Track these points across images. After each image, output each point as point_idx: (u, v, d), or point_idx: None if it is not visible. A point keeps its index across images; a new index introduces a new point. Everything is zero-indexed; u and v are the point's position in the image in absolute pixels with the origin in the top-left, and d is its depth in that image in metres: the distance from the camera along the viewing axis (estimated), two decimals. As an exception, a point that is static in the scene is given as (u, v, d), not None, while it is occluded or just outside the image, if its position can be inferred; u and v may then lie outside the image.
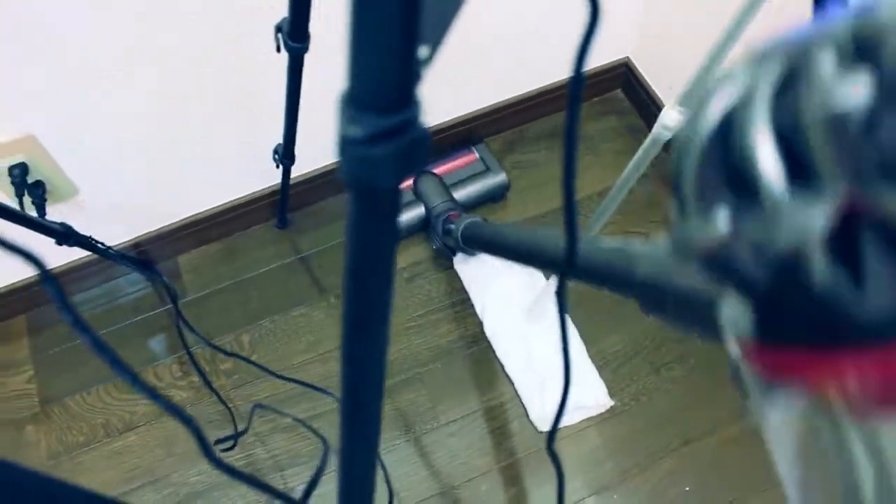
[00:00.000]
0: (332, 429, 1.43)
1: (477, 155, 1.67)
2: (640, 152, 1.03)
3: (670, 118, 0.98)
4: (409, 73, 0.25)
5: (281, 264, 1.62)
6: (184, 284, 1.61)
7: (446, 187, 1.57)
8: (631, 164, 1.06)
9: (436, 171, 1.63)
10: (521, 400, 1.46)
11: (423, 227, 1.59)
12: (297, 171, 1.48)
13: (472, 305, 1.55)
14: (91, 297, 1.61)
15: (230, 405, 1.46)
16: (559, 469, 0.77)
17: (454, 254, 1.56)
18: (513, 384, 1.47)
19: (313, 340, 1.53)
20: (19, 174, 1.31)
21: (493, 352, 1.50)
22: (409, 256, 1.62)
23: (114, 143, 1.32)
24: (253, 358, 1.52)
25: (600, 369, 1.48)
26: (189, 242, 1.63)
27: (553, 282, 1.38)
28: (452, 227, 1.36)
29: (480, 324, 1.53)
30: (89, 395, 1.52)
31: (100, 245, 1.40)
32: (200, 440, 0.40)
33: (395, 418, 1.45)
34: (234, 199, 1.59)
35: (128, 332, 1.57)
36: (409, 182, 1.59)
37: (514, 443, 1.43)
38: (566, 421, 1.44)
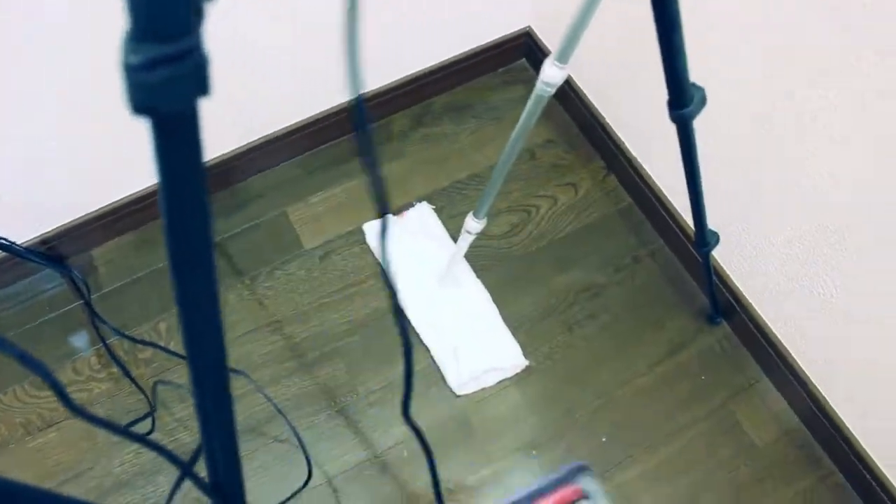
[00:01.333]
0: (245, 409, 1.45)
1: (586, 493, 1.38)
2: (525, 112, 1.05)
3: (550, 75, 1.00)
4: (182, 4, 0.27)
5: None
6: (99, 277, 1.61)
7: None
8: (519, 124, 1.08)
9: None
10: (437, 366, 1.49)
11: None
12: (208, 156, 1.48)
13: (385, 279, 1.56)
14: (6, 296, 1.59)
15: (148, 392, 1.47)
16: (422, 439, 0.75)
17: None
18: (429, 352, 1.50)
19: (229, 323, 1.54)
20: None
21: (408, 321, 1.52)
22: (321, 236, 1.64)
23: (17, 136, 1.31)
24: (171, 346, 1.53)
25: (514, 331, 1.52)
26: (102, 234, 1.62)
27: (463, 247, 1.40)
28: None
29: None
30: (5, 395, 1.51)
31: (4, 241, 1.39)
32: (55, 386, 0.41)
33: (315, 394, 1.47)
34: (145, 189, 1.58)
35: (45, 328, 1.56)
36: None
37: (433, 409, 1.46)
38: (485, 382, 1.47)
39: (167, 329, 1.56)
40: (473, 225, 1.33)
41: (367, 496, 1.39)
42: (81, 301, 1.57)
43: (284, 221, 1.66)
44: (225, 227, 1.65)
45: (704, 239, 1.23)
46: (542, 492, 1.23)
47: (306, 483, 1.36)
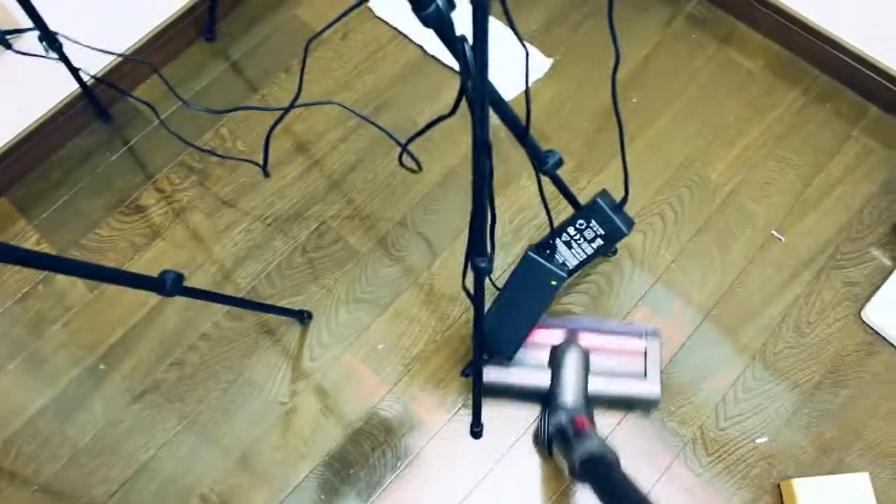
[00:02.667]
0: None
1: (643, 350, 1.39)
2: None
3: None
4: None
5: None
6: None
7: (587, 376, 1.34)
8: None
9: (589, 345, 1.39)
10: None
11: (540, 400, 1.40)
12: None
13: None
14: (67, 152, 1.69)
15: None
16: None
17: (550, 452, 1.33)
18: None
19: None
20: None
21: (441, 63, 1.71)
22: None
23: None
24: (237, 145, 1.66)
25: (530, 42, 1.73)
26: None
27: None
28: (575, 442, 1.16)
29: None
30: (101, 229, 1.61)
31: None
32: None
33: (383, 137, 1.63)
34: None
35: (115, 164, 1.66)
36: (550, 344, 1.40)
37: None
38: (521, 89, 1.68)
39: (229, 131, 1.68)
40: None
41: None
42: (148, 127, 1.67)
43: (297, 21, 1.80)
44: (246, 43, 1.78)
45: None
46: (614, 330, 1.38)
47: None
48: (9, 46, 1.42)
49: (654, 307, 1.48)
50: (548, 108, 1.67)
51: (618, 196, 1.26)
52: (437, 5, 0.83)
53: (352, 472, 1.38)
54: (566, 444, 1.19)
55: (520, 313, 1.31)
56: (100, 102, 1.65)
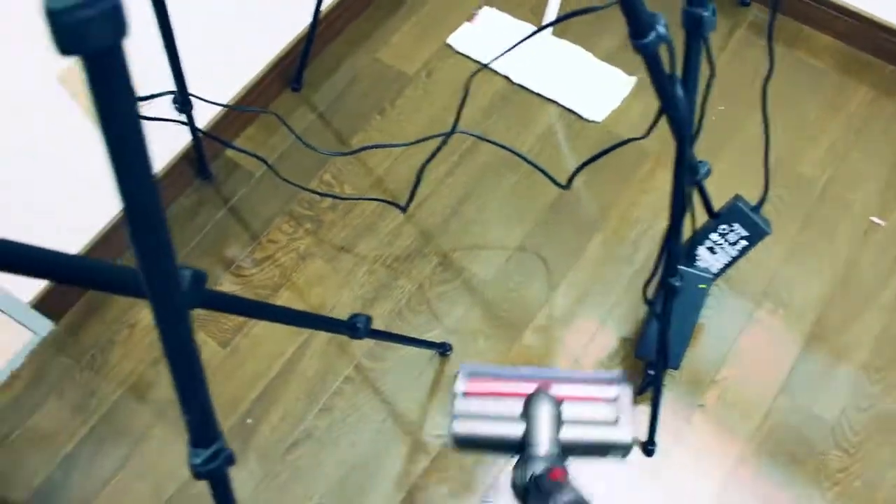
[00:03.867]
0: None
1: (615, 396, 1.37)
2: None
3: None
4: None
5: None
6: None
7: (559, 424, 1.31)
8: None
9: (560, 394, 1.36)
10: (570, 110, 1.74)
11: (513, 450, 1.33)
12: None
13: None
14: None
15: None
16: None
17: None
18: (557, 103, 1.75)
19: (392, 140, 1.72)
20: None
21: (529, 90, 1.77)
22: (418, 62, 1.83)
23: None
24: (345, 190, 1.69)
25: (609, 62, 1.79)
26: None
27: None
28: (550, 496, 1.14)
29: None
30: (221, 286, 1.62)
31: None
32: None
33: (489, 165, 1.68)
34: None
35: (220, 225, 1.68)
36: (528, 388, 1.36)
37: (585, 139, 1.71)
38: (612, 104, 1.74)
39: (332, 177, 1.72)
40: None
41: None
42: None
43: (380, 64, 1.85)
44: (331, 90, 1.82)
45: None
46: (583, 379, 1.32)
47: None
48: (135, 115, 1.44)
49: (775, 302, 1.54)
50: (640, 123, 1.73)
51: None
52: (658, 34, 0.88)
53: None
54: (541, 496, 1.17)
55: (676, 325, 1.36)
56: (205, 159, 1.67)
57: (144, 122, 0.41)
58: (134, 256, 0.47)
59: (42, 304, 1.57)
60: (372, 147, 1.66)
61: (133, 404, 1.53)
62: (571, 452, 1.31)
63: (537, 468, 1.22)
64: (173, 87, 1.37)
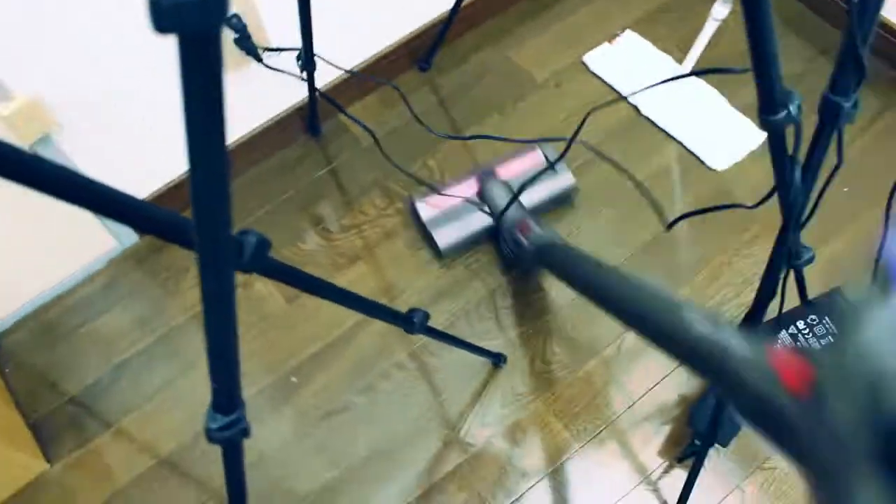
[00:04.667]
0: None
1: (541, 154, 1.61)
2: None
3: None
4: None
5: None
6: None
7: (513, 192, 1.50)
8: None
9: (500, 173, 1.58)
10: (691, 152, 1.67)
11: (493, 234, 1.57)
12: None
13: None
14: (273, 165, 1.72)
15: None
16: None
17: (516, 262, 1.52)
18: (680, 143, 1.68)
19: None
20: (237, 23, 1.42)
21: (654, 124, 1.71)
22: (549, 69, 1.80)
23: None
24: (445, 177, 1.67)
25: (744, 114, 1.72)
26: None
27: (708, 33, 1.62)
28: (525, 241, 1.37)
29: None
30: (303, 243, 1.64)
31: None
32: None
33: (598, 186, 1.64)
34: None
35: (316, 184, 1.69)
36: (476, 187, 1.57)
37: (700, 187, 1.65)
38: (736, 156, 1.67)
39: (436, 164, 1.70)
40: (720, 10, 1.53)
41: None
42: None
43: (510, 64, 1.82)
44: (457, 78, 1.80)
45: None
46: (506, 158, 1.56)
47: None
48: (259, 59, 1.46)
49: None
50: (759, 183, 1.65)
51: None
52: (789, 113, 0.83)
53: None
54: (520, 246, 1.38)
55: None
56: (317, 118, 1.69)
57: (265, 71, 0.39)
58: (194, 227, 0.47)
59: (132, 217, 1.61)
60: (486, 137, 1.63)
61: (191, 332, 1.56)
62: (535, 212, 1.54)
63: (513, 230, 1.43)
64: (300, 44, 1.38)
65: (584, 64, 1.81)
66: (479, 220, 1.54)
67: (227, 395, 0.73)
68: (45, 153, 1.37)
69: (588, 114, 1.21)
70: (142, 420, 1.50)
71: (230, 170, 0.48)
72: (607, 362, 1.49)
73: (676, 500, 1.35)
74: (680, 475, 1.37)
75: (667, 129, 1.70)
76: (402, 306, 1.51)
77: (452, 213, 1.55)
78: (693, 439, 1.37)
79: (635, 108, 1.74)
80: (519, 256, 1.42)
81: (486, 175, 1.56)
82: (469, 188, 1.57)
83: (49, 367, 1.57)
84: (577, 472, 1.41)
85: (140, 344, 1.58)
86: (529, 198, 1.52)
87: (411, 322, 1.12)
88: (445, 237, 1.54)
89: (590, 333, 1.52)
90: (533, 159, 1.59)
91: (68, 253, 1.60)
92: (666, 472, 1.40)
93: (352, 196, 1.68)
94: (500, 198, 1.51)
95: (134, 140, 1.48)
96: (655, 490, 1.39)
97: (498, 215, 1.50)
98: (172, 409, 1.51)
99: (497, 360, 1.48)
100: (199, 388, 1.51)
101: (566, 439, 1.43)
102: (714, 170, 1.66)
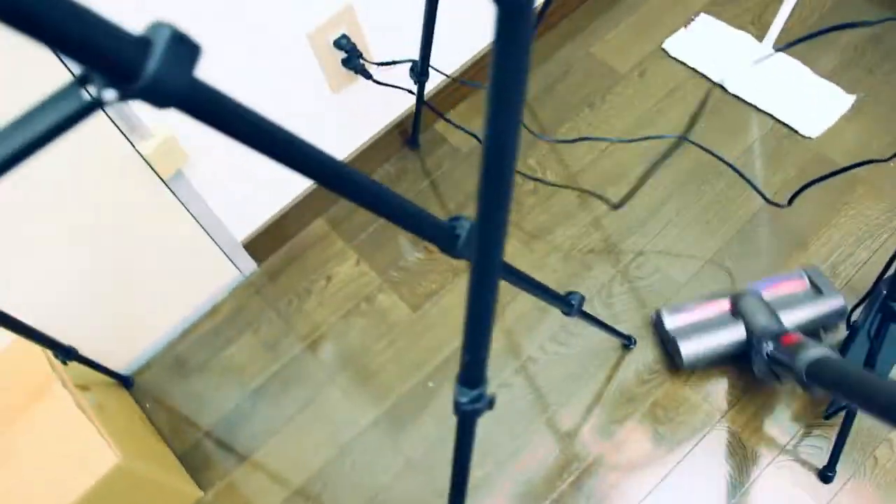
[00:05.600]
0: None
1: (807, 280, 1.49)
2: None
3: None
4: None
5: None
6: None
7: (772, 309, 1.40)
8: None
9: (762, 292, 1.47)
10: (783, 122, 1.71)
11: (742, 351, 1.43)
12: None
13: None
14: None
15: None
16: None
17: (780, 381, 1.34)
18: (770, 115, 1.72)
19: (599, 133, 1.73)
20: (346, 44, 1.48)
21: (742, 101, 1.75)
22: (631, 60, 1.84)
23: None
24: (547, 176, 1.72)
25: (829, 78, 1.75)
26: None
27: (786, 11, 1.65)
28: (787, 357, 1.20)
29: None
30: (419, 252, 1.68)
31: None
32: None
33: (688, 172, 1.68)
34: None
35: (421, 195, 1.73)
36: (729, 304, 1.48)
37: (794, 157, 1.68)
38: (829, 124, 1.70)
39: (536, 163, 1.75)
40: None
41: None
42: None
43: (593, 59, 1.87)
44: (542, 77, 1.85)
45: None
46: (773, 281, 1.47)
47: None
48: (369, 77, 1.51)
49: None
50: (854, 145, 1.68)
51: None
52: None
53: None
54: (784, 364, 1.21)
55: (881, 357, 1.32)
56: (418, 130, 1.73)
57: (366, 90, 0.43)
58: (477, 205, 0.53)
59: (250, 245, 1.67)
60: (591, 139, 1.68)
61: (321, 351, 1.61)
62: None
63: (771, 344, 1.28)
64: (415, 56, 1.43)
65: (664, 50, 1.85)
66: (731, 334, 1.42)
67: (476, 370, 0.78)
68: (178, 187, 1.42)
69: (697, 113, 1.23)
70: (283, 442, 1.54)
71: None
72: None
73: (828, 457, 1.37)
74: (822, 433, 1.39)
75: (756, 104, 1.73)
76: (524, 300, 1.55)
77: (701, 327, 1.46)
78: (837, 397, 1.38)
79: (721, 86, 1.77)
80: (775, 371, 1.28)
81: (742, 294, 1.45)
82: (716, 306, 1.49)
83: (187, 400, 1.62)
84: (720, 442, 1.43)
85: (273, 367, 1.63)
86: (792, 318, 1.42)
87: (570, 304, 1.17)
88: (691, 349, 1.44)
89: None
90: (796, 284, 1.49)
91: (192, 286, 1.65)
92: (807, 432, 1.42)
93: (455, 204, 1.72)
94: (758, 311, 1.39)
95: (244, 173, 1.54)
96: (802, 451, 1.41)
97: (754, 327, 1.37)
98: (314, 426, 1.55)
99: (629, 341, 1.52)
100: (336, 403, 1.56)
101: (707, 410, 1.46)
102: (808, 137, 1.69)
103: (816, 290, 1.46)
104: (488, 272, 0.65)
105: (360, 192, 0.65)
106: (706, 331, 1.44)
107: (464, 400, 0.77)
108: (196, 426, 1.60)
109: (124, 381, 1.65)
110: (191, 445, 1.58)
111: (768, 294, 1.46)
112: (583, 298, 1.19)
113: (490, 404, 0.79)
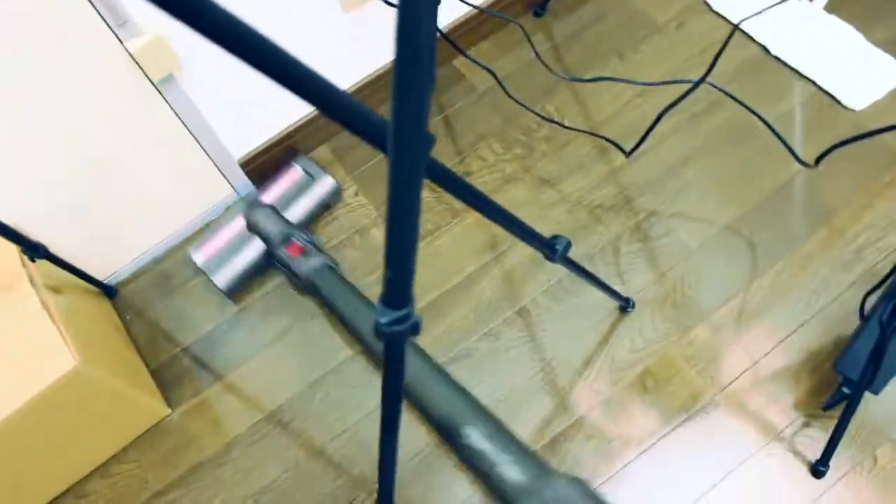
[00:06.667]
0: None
1: (300, 168, 1.61)
2: None
3: None
4: None
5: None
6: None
7: (279, 213, 1.49)
8: None
9: (264, 199, 1.56)
10: (826, 91, 1.58)
11: (270, 262, 1.55)
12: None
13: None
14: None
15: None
16: None
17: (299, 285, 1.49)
18: (813, 82, 1.59)
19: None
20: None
21: (785, 63, 1.62)
22: (669, 11, 1.72)
23: None
24: (564, 122, 1.62)
25: (884, 50, 1.61)
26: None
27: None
28: (295, 265, 1.41)
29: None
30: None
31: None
32: None
33: (723, 129, 1.56)
34: None
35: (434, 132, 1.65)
36: (243, 222, 1.54)
37: (834, 129, 1.55)
38: (875, 95, 1.56)
39: (555, 109, 1.65)
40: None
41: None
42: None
43: (630, 7, 1.75)
44: (573, 23, 1.75)
45: None
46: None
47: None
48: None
49: None
50: (902, 124, 1.54)
51: None
52: None
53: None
54: (294, 272, 1.41)
55: (891, 349, 1.21)
56: (433, 65, 1.64)
57: (378, 14, 0.36)
58: (391, 108, 0.45)
59: (247, 165, 1.60)
60: (610, 79, 1.58)
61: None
62: (307, 223, 1.58)
63: (283, 254, 1.43)
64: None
65: (706, 3, 1.72)
66: (252, 250, 1.53)
67: (399, 289, 0.69)
68: (169, 93, 1.36)
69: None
70: (258, 368, 1.49)
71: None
72: (735, 315, 1.41)
73: (823, 449, 1.27)
74: (821, 425, 1.29)
75: (798, 68, 1.61)
76: (523, 249, 1.47)
77: (226, 253, 1.54)
78: (840, 386, 1.28)
79: (764, 47, 1.65)
80: (294, 283, 1.41)
81: (250, 207, 1.51)
82: (237, 226, 1.56)
83: (168, 316, 1.57)
84: (714, 420, 1.34)
85: (258, 293, 1.57)
86: (296, 212, 1.55)
87: (553, 248, 1.07)
88: (224, 278, 1.52)
89: (716, 285, 1.45)
90: (291, 176, 1.60)
91: (184, 201, 1.60)
92: (806, 422, 1.32)
93: (466, 143, 1.64)
94: (268, 222, 1.47)
95: (244, 89, 1.47)
96: (798, 441, 1.31)
97: (270, 241, 1.47)
98: (286, 359, 1.50)
99: (626, 303, 1.42)
100: (313, 338, 1.50)
101: (701, 385, 1.36)
102: (851, 109, 1.56)
103: (310, 177, 1.57)
104: (409, 172, 0.57)
105: (344, 111, 0.58)
106: (232, 255, 1.53)
107: (383, 320, 0.69)
108: (174, 342, 1.55)
109: (107, 290, 1.61)
110: (165, 361, 1.54)
111: (270, 196, 1.56)
112: (568, 244, 1.09)
113: (414, 328, 0.71)
